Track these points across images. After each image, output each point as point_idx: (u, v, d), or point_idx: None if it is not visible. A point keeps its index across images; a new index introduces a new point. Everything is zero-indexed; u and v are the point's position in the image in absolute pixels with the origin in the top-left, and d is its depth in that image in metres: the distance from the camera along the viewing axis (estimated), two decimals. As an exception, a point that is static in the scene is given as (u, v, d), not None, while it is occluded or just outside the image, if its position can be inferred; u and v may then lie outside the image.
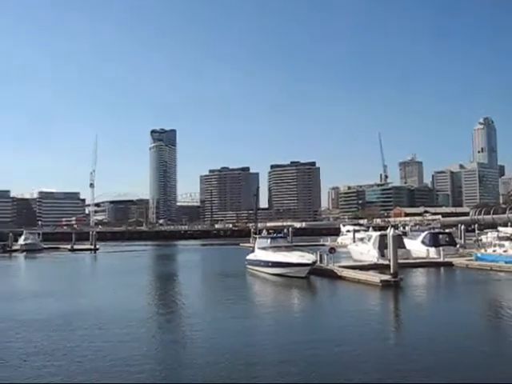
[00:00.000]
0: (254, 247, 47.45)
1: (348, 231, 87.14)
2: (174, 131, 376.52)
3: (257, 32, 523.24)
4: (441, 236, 53.37)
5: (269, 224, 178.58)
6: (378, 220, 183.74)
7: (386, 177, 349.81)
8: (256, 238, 52.53)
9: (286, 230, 66.34)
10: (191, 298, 29.88)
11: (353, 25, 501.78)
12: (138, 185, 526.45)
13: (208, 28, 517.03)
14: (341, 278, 36.12)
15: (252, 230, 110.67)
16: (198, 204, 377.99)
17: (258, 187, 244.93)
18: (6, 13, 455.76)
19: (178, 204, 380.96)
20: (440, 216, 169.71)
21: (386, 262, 36.21)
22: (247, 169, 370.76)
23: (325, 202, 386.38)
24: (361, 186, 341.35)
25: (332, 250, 42.09)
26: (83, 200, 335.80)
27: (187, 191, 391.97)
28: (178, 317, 24.17)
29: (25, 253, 77.43)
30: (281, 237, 47.70)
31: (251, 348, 17.13)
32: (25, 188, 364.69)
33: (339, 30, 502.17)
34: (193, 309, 25.74)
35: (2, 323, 21.38)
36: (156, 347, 17.75)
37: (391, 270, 33.08)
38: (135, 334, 18.96)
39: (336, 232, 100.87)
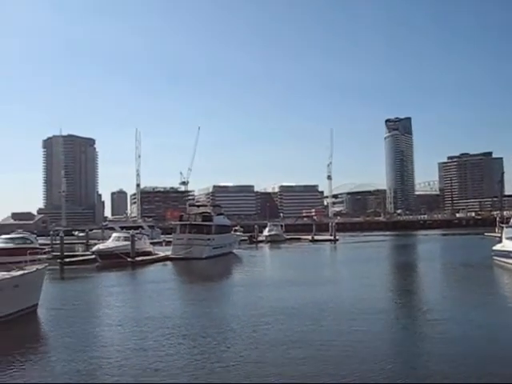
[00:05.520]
0: (501, 237, 44.81)
1: None
2: (409, 119, 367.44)
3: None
4: None
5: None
6: None
7: None
8: (503, 227, 49.06)
9: (537, 219, 60.80)
10: (432, 289, 29.15)
11: None
12: (375, 175, 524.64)
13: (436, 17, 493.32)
14: None
15: (497, 218, 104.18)
16: (437, 192, 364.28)
17: (503, 173, 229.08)
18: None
19: (416, 193, 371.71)
20: None
21: None
22: (489, 154, 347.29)
23: None
24: None
25: None
26: (321, 192, 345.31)
27: (425, 180, 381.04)
28: (418, 308, 23.55)
29: (269, 243, 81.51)
30: (531, 226, 43.91)
31: (496, 344, 15.99)
32: (267, 183, 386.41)
33: None
34: (434, 301, 24.96)
35: (256, 310, 22.45)
36: (396, 340, 17.51)
37: None
38: (381, 328, 18.78)
39: None
